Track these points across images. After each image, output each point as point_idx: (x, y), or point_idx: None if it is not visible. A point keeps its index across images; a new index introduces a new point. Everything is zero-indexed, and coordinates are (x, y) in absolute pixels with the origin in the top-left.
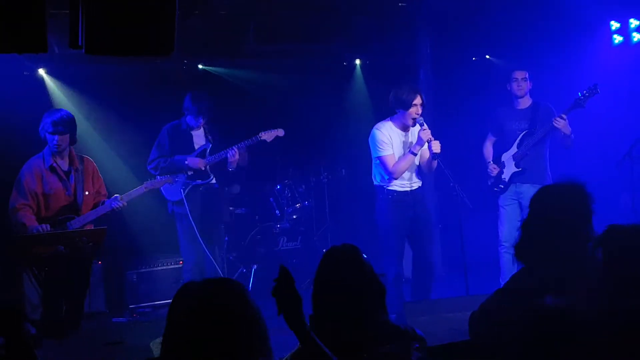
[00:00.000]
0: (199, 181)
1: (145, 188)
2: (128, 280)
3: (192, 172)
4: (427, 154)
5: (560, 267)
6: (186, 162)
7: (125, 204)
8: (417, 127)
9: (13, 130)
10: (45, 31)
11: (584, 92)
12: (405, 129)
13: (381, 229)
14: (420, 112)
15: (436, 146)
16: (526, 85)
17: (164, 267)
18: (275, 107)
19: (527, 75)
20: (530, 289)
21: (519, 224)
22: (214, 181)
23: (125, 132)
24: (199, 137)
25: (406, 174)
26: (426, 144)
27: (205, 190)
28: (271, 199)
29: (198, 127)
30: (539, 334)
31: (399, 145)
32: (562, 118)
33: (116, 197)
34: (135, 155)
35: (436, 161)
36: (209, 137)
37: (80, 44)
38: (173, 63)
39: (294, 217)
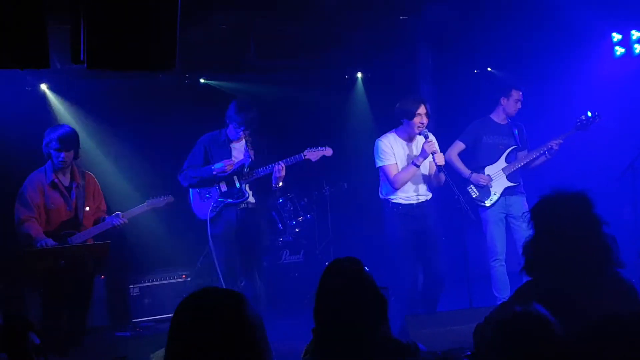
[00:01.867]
0: (230, 200)
1: (147, 206)
2: (131, 295)
3: (225, 189)
4: (434, 167)
5: (568, 279)
6: (214, 171)
7: (127, 221)
8: (422, 139)
9: (16, 145)
10: (47, 46)
11: (582, 117)
12: (410, 140)
13: (390, 242)
14: (425, 121)
15: (440, 158)
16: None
17: (167, 281)
18: (276, 121)
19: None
20: (537, 301)
21: (510, 236)
22: (252, 200)
23: (126, 147)
24: (238, 152)
25: (413, 187)
26: (431, 156)
27: (244, 210)
28: (273, 212)
29: (238, 140)
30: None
31: (403, 157)
32: (560, 140)
33: (118, 214)
34: (137, 170)
35: (443, 174)
36: (250, 153)
37: (82, 59)
38: (175, 77)
39: (297, 230)
